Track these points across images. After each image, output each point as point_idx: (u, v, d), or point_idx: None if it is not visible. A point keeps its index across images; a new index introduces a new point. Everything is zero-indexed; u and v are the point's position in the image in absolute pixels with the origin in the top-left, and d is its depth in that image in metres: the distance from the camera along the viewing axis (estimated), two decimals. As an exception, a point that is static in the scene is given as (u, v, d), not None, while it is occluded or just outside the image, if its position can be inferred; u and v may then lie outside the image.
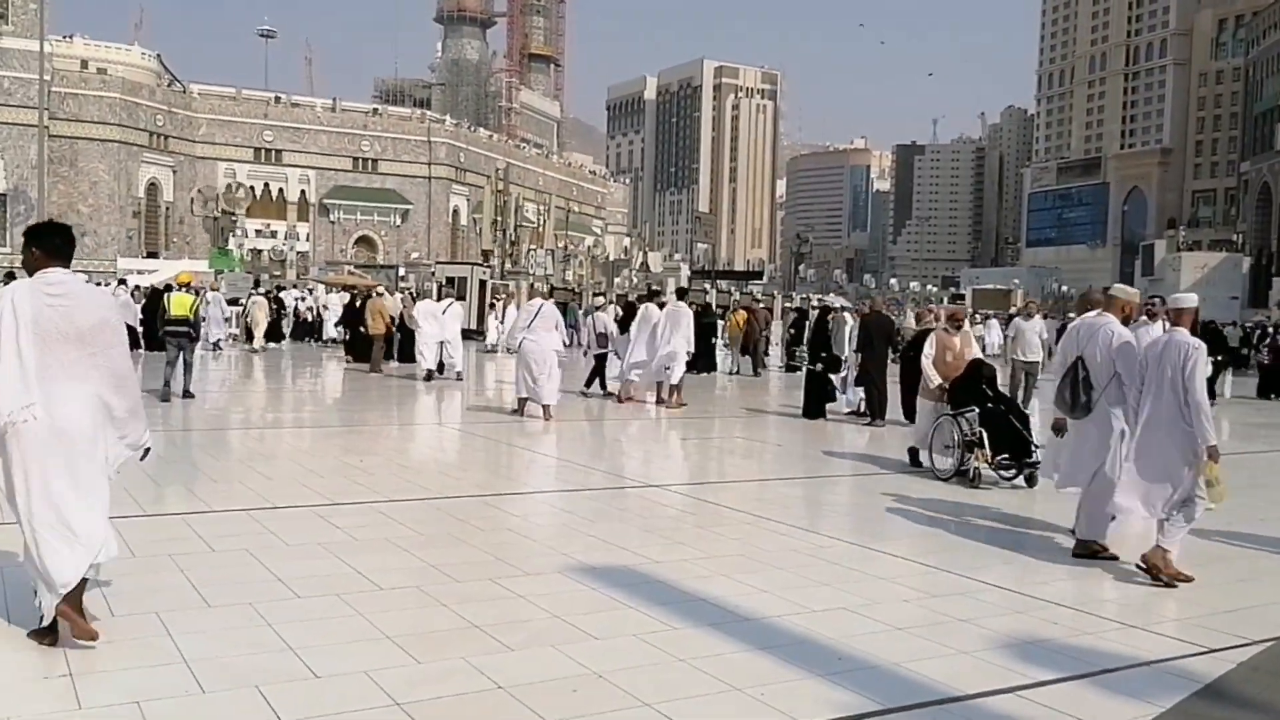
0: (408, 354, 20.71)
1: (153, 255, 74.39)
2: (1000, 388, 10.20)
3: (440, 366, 18.75)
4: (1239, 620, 5.44)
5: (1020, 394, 15.12)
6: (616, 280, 73.20)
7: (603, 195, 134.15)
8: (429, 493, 8.42)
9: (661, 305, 15.93)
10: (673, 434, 13.46)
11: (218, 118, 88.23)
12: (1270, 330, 27.35)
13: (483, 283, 32.78)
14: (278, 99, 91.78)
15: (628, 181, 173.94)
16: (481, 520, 7.39)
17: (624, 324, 18.00)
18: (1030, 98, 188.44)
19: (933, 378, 9.99)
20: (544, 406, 13.17)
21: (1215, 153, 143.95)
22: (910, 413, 11.97)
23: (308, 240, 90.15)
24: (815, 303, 34.72)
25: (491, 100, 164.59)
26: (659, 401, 15.53)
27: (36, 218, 75.22)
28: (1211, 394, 20.44)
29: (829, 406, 14.24)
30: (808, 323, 20.23)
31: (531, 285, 17.09)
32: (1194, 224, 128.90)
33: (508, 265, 50.25)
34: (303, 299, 32.79)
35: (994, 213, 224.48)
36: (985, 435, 9.16)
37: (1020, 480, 9.32)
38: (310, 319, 31.64)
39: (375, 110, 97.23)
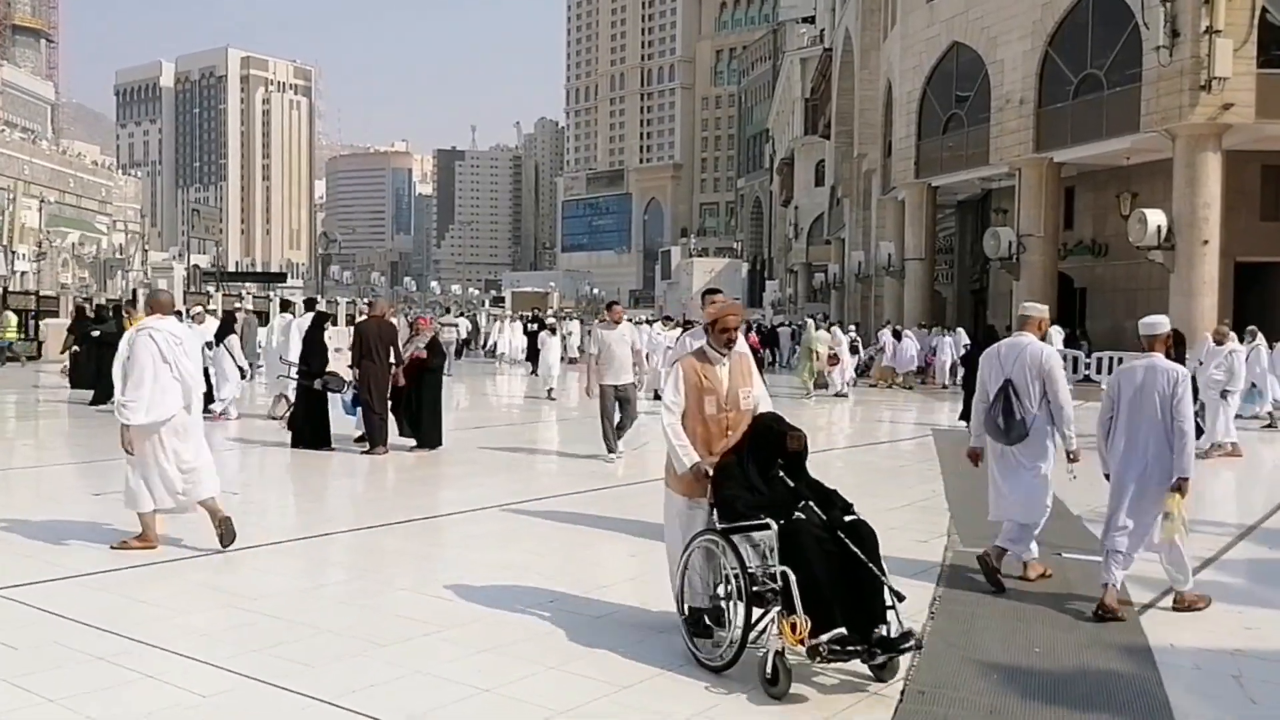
0: None
1: None
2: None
3: None
4: None
5: None
6: (110, 282, 64.92)
7: (108, 189, 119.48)
8: None
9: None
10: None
11: None
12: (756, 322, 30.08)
13: (-78, 287, 26.64)
14: None
15: (141, 175, 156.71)
16: None
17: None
18: (560, 111, 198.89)
19: (681, 451, 5.07)
20: None
21: (718, 169, 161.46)
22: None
23: None
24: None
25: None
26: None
27: None
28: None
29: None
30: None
31: None
32: (702, 233, 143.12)
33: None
34: None
35: (532, 219, 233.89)
36: (792, 581, 4.47)
37: (867, 671, 4.64)
38: None
39: None
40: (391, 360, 11.58)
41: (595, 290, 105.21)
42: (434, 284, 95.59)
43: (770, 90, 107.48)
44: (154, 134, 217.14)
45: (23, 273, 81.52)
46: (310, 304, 17.18)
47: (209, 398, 14.98)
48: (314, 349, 12.19)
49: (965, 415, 17.40)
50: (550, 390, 20.63)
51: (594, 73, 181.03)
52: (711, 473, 4.94)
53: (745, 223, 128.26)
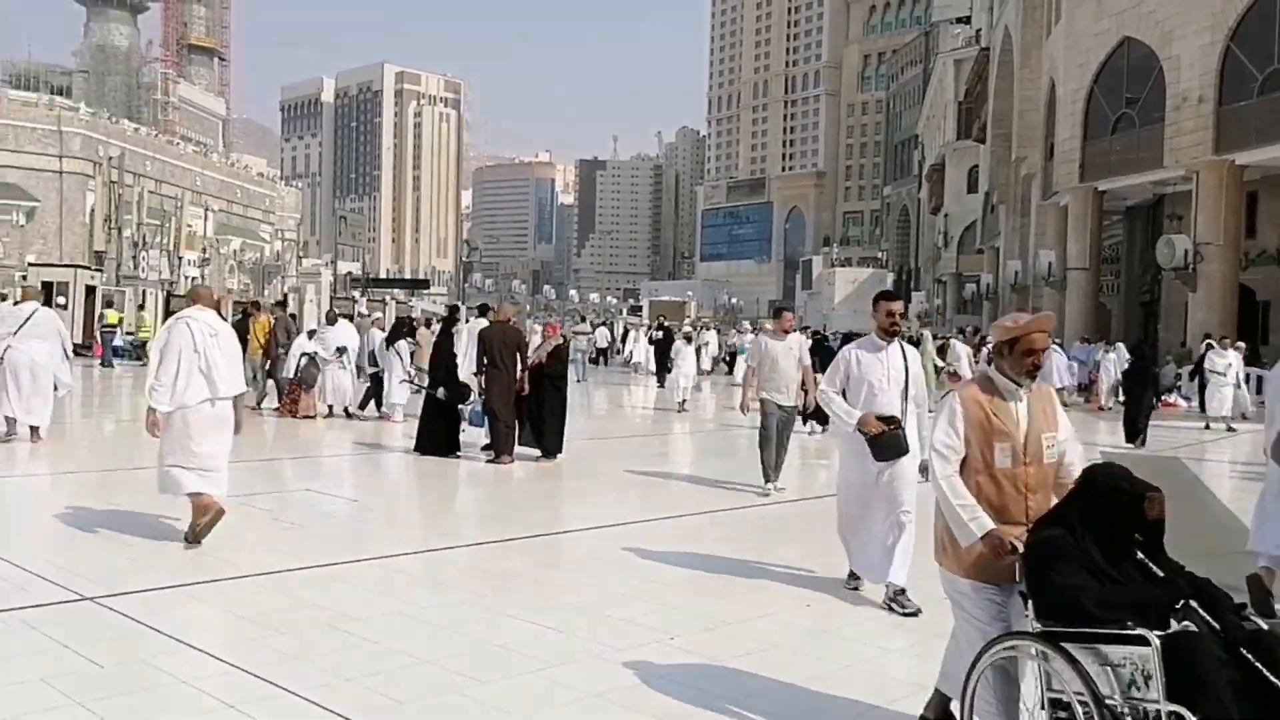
0: None
1: None
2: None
3: None
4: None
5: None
6: (267, 287, 67.83)
7: (271, 199, 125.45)
8: None
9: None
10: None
11: None
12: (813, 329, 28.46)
13: (90, 289, 28.04)
14: None
15: (302, 187, 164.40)
16: None
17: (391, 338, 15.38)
18: (702, 119, 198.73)
19: (967, 513, 3.63)
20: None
21: (862, 177, 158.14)
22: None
23: (-99, 240, 76.63)
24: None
25: (145, 93, 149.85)
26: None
27: None
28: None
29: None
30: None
31: (25, 287, 14.01)
32: (845, 242, 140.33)
33: (128, 269, 44.29)
34: None
35: (671, 228, 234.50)
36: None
37: None
38: None
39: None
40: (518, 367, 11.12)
41: (734, 300, 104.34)
42: (573, 292, 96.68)
43: (920, 95, 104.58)
44: (314, 147, 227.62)
45: (192, 278, 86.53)
46: (484, 309, 16.39)
47: (377, 399, 15.08)
48: (439, 356, 11.90)
49: (1130, 436, 15.85)
50: (683, 402, 19.63)
51: (737, 80, 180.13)
52: (1021, 548, 3.44)
53: (890, 232, 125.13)
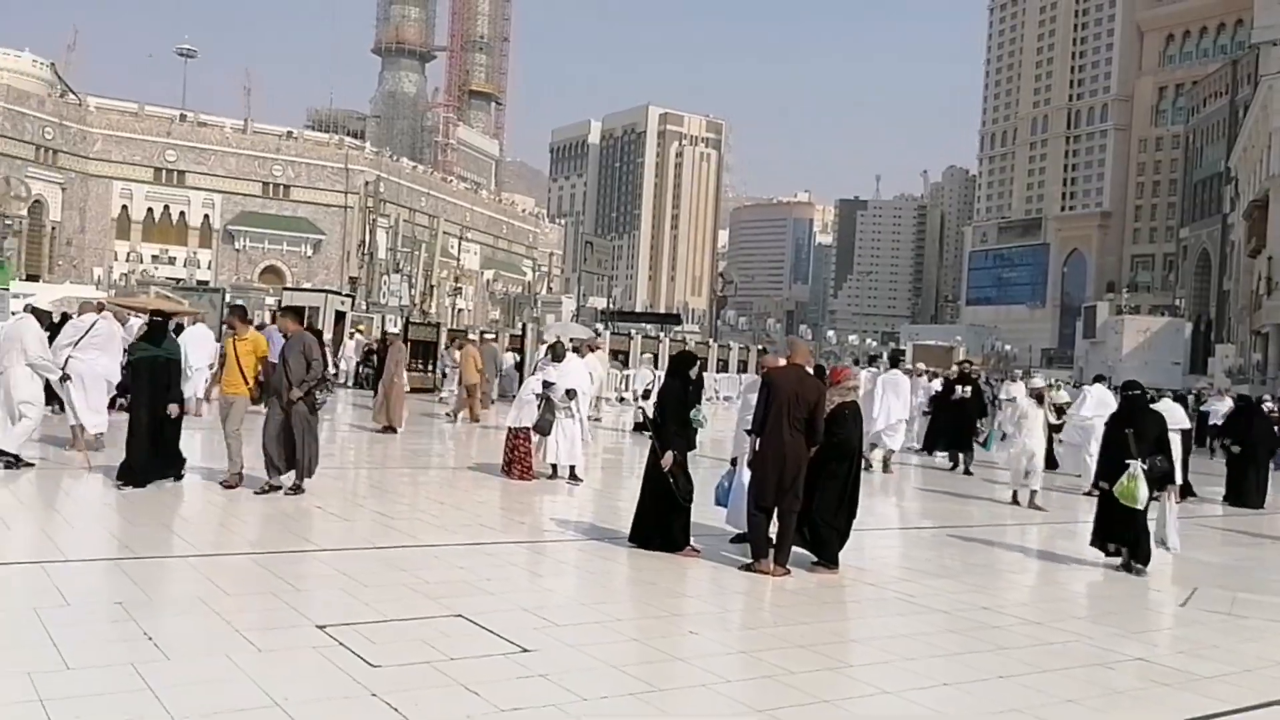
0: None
1: (33, 278, 67.54)
2: None
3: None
4: None
5: None
6: (517, 318, 68.06)
7: (534, 235, 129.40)
8: None
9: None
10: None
11: (115, 133, 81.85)
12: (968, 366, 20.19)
13: (340, 314, 27.38)
14: (183, 116, 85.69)
15: (563, 223, 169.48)
16: None
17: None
18: (972, 158, 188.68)
19: None
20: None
21: (1154, 218, 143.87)
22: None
23: (209, 268, 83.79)
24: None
25: (427, 135, 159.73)
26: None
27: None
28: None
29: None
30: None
31: (84, 302, 13.03)
32: (1133, 288, 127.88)
33: (377, 296, 44.69)
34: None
35: (934, 270, 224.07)
36: None
37: None
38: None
39: (290, 134, 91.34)
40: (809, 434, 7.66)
41: (1006, 346, 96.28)
42: (830, 333, 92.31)
43: (1226, 128, 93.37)
44: (579, 186, 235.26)
45: (460, 310, 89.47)
46: (683, 361, 13.34)
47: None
48: (669, 405, 8.36)
49: None
50: (1033, 495, 13.04)
51: (1013, 116, 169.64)
52: None
53: (1187, 277, 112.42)
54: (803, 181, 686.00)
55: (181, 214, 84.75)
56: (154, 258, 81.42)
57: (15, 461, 10.07)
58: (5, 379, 10.18)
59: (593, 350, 14.79)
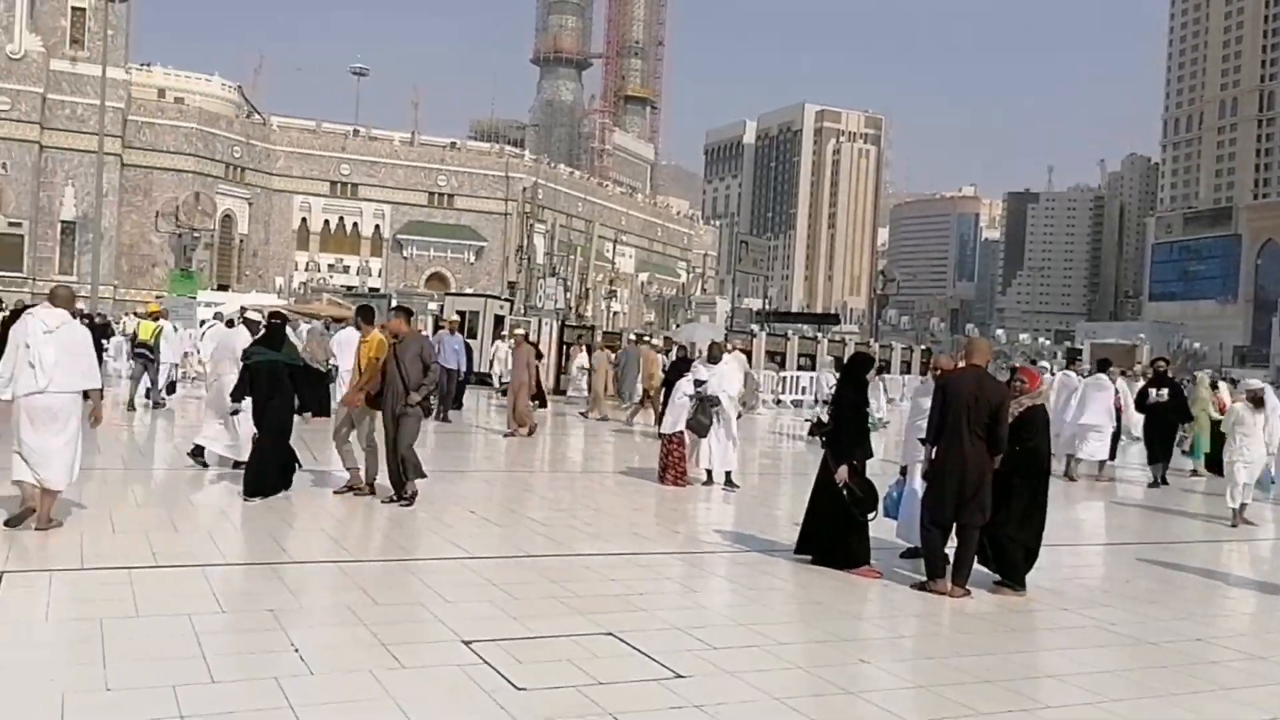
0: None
1: (224, 288, 72.02)
2: None
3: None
4: None
5: None
6: (670, 320, 67.91)
7: (689, 237, 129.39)
8: None
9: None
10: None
11: (296, 150, 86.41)
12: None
13: (499, 318, 27.78)
14: (356, 132, 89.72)
15: (717, 225, 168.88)
16: None
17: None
18: (1154, 145, 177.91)
19: None
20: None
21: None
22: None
23: (379, 275, 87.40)
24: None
25: (584, 141, 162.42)
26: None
27: (107, 246, 74.35)
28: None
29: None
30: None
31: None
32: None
33: (535, 300, 45.26)
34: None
35: (1112, 264, 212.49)
36: None
37: None
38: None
39: (453, 144, 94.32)
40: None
41: (1195, 345, 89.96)
42: (999, 332, 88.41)
43: None
44: (734, 188, 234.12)
45: (615, 312, 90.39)
46: (859, 364, 12.72)
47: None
48: (844, 414, 7.73)
49: None
50: (1239, 510, 11.37)
51: (1198, 99, 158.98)
52: None
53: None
54: (968, 176, 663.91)
55: (355, 224, 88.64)
56: (330, 266, 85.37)
57: (196, 457, 10.68)
58: (219, 385, 10.35)
59: (728, 352, 14.30)
